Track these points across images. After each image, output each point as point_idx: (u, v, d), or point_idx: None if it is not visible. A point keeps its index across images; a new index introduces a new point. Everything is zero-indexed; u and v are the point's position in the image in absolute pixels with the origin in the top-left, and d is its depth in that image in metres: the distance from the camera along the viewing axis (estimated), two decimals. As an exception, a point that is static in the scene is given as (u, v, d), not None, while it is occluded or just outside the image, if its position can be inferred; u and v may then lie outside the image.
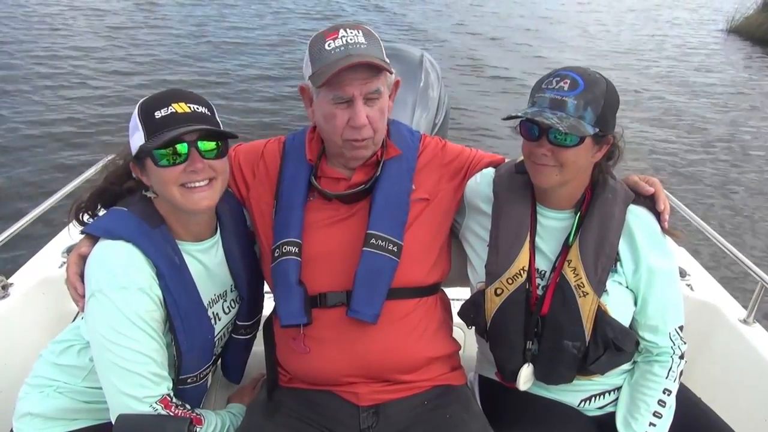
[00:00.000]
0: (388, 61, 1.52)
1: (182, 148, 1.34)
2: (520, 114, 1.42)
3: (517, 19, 17.03)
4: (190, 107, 1.36)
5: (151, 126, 1.34)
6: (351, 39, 1.47)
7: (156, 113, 1.34)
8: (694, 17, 19.26)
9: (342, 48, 1.46)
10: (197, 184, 1.38)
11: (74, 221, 1.51)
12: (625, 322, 1.54)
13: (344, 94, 1.46)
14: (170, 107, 1.34)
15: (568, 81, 1.39)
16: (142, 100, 1.39)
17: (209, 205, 1.43)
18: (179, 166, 1.35)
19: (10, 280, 2.26)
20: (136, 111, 1.37)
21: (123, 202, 1.46)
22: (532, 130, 1.44)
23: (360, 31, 1.50)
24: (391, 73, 1.51)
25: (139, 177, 1.44)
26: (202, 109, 1.38)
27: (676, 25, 17.69)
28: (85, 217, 1.51)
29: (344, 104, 1.48)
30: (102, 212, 1.50)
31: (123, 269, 1.35)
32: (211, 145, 1.38)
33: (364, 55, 1.45)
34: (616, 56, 13.46)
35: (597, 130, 1.39)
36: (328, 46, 1.47)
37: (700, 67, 13.10)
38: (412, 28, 14.76)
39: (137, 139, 1.36)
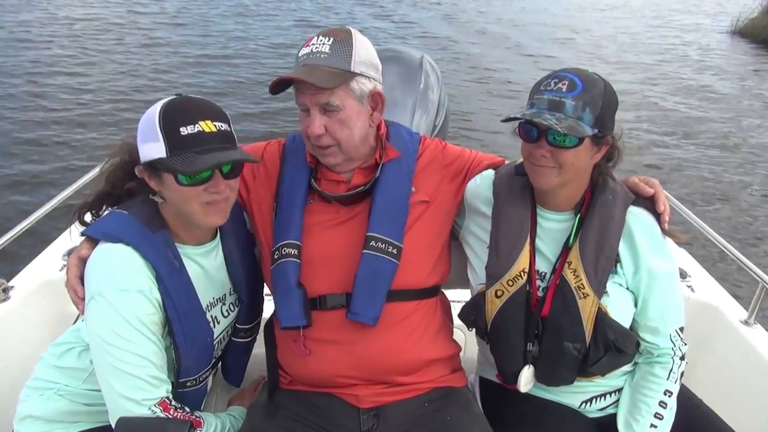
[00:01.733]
0: (360, 70, 1.50)
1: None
2: (518, 115, 1.42)
3: (521, 22, 17.03)
4: (215, 126, 1.35)
5: (175, 142, 1.31)
6: (316, 48, 1.49)
7: (181, 129, 1.31)
8: (699, 20, 19.24)
9: (305, 57, 1.49)
10: (216, 203, 1.39)
11: (77, 221, 1.50)
12: (626, 323, 1.54)
13: (300, 103, 1.50)
14: (197, 125, 1.32)
15: (567, 82, 1.39)
16: (162, 108, 1.34)
17: (224, 221, 1.44)
18: (201, 185, 1.35)
19: (10, 283, 2.26)
20: (156, 119, 1.32)
21: (124, 205, 1.46)
22: (530, 131, 1.44)
23: (331, 39, 1.49)
24: (337, 85, 1.46)
25: (146, 180, 1.42)
26: (224, 127, 1.37)
27: (680, 28, 17.68)
28: (88, 217, 1.50)
29: (306, 112, 1.51)
30: (106, 212, 1.50)
31: (123, 272, 1.35)
32: (231, 166, 1.39)
33: (313, 66, 1.46)
34: (620, 58, 13.46)
35: (596, 130, 1.40)
36: (301, 53, 1.51)
37: (705, 68, 13.09)
38: (412, 30, 14.78)
39: (155, 149, 1.33)
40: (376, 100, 1.58)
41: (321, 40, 1.50)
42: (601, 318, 1.49)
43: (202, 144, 1.32)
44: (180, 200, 1.38)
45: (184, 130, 1.31)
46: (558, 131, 1.36)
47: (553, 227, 1.59)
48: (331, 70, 1.46)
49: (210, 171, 1.34)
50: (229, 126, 1.40)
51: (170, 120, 1.32)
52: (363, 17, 15.83)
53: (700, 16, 19.96)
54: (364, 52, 1.52)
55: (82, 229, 1.49)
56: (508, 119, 1.45)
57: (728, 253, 2.36)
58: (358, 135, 1.55)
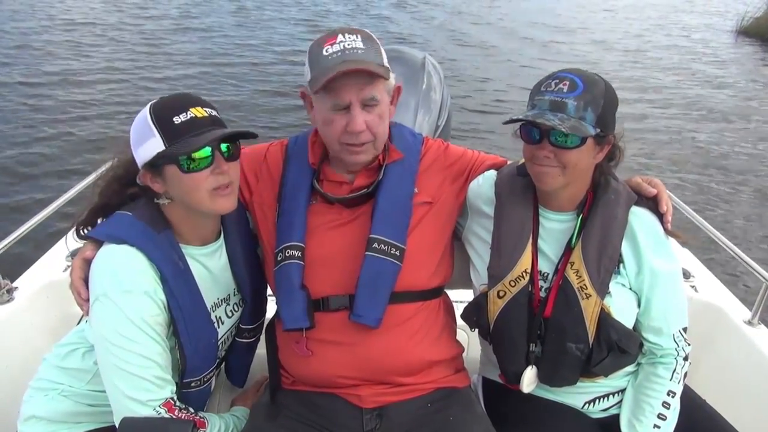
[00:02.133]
0: (388, 65, 1.52)
1: (206, 151, 1.35)
2: (520, 117, 1.42)
3: (527, 21, 16.94)
4: (206, 111, 1.37)
5: (170, 131, 1.33)
6: (348, 44, 1.47)
7: (174, 119, 1.33)
8: (705, 20, 19.16)
9: (339, 53, 1.45)
10: (223, 188, 1.40)
11: (75, 236, 1.51)
12: (629, 323, 1.54)
13: (341, 100, 1.46)
14: (189, 112, 1.34)
15: (567, 82, 1.39)
16: (151, 107, 1.37)
17: (233, 207, 1.45)
18: (206, 170, 1.36)
19: (14, 284, 2.27)
20: (147, 118, 1.35)
21: (127, 207, 1.46)
22: (532, 133, 1.44)
23: (359, 36, 1.49)
24: (387, 78, 1.50)
25: (148, 185, 1.42)
26: (214, 112, 1.40)
27: (686, 27, 17.61)
28: (85, 232, 1.51)
29: (342, 111, 1.48)
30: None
31: (127, 273, 1.36)
32: (228, 147, 1.40)
33: (360, 61, 1.44)
34: (626, 57, 13.40)
35: (598, 130, 1.39)
36: (326, 51, 1.47)
37: (712, 68, 13.02)
38: (416, 32, 14.76)
39: (153, 145, 1.34)
40: (394, 94, 1.60)
41: (350, 38, 1.48)
42: (604, 318, 1.49)
43: (196, 128, 1.34)
44: (187, 191, 1.38)
45: (177, 119, 1.33)
46: (561, 131, 1.35)
47: (555, 227, 1.59)
48: (375, 64, 1.47)
49: (210, 153, 1.35)
50: (218, 112, 1.42)
51: (162, 113, 1.35)
52: (364, 20, 15.79)
53: (705, 16, 19.87)
54: (383, 48, 1.54)
55: (77, 239, 1.50)
56: (510, 121, 1.45)
57: (731, 252, 2.35)
58: (387, 129, 1.58)
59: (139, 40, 11.96)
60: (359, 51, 1.46)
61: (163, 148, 1.33)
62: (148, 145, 1.35)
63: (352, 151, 1.53)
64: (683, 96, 10.85)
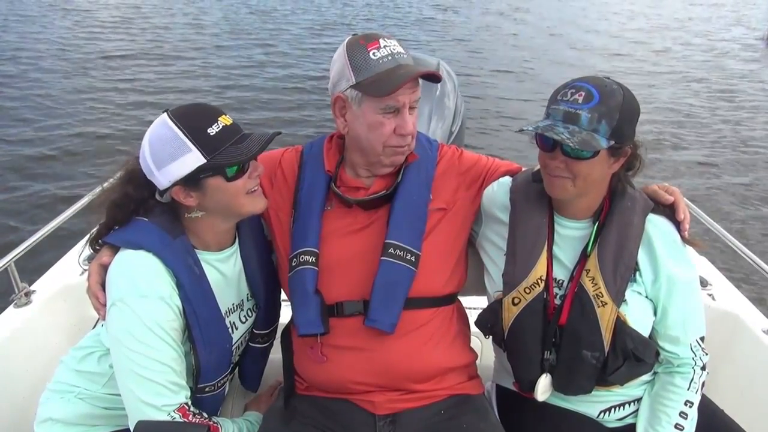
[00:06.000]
0: None
1: None
2: (530, 128, 1.41)
3: (543, 27, 16.90)
4: (229, 118, 1.40)
5: (209, 144, 1.34)
6: (393, 48, 1.49)
7: (209, 130, 1.34)
8: (732, 27, 18.94)
9: (389, 57, 1.47)
10: (257, 188, 1.46)
11: (91, 250, 1.52)
12: (645, 332, 1.52)
13: (396, 103, 1.47)
14: (218, 122, 1.37)
15: (583, 93, 1.37)
16: (176, 121, 1.34)
17: (267, 204, 1.52)
18: (245, 174, 1.41)
19: (32, 288, 2.30)
20: (176, 134, 1.33)
21: (143, 213, 1.47)
22: (547, 140, 1.43)
23: (394, 40, 1.52)
24: (439, 83, 1.54)
25: (181, 201, 1.41)
26: (231, 117, 1.43)
27: (712, 34, 17.43)
28: (99, 245, 1.52)
29: (392, 113, 1.49)
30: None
31: (144, 279, 1.37)
32: None
33: (416, 64, 1.49)
34: (649, 66, 13.30)
35: (612, 143, 1.38)
36: (374, 55, 1.46)
37: (739, 74, 12.88)
38: (427, 38, 14.78)
39: (190, 160, 1.34)
40: None
41: (390, 42, 1.50)
42: (620, 326, 1.47)
43: (230, 136, 1.37)
44: (229, 199, 1.41)
45: (212, 130, 1.35)
46: (570, 146, 1.35)
47: (570, 234, 1.58)
48: (433, 67, 1.49)
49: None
50: None
51: (194, 126, 1.35)
52: (377, 25, 15.84)
53: (739, 27, 19.62)
54: None
55: (92, 250, 1.52)
56: (522, 130, 1.44)
57: (750, 261, 2.32)
58: None
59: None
60: (404, 55, 1.50)
61: (204, 161, 1.34)
62: (183, 161, 1.34)
63: (396, 152, 1.56)
64: (711, 104, 10.73)
